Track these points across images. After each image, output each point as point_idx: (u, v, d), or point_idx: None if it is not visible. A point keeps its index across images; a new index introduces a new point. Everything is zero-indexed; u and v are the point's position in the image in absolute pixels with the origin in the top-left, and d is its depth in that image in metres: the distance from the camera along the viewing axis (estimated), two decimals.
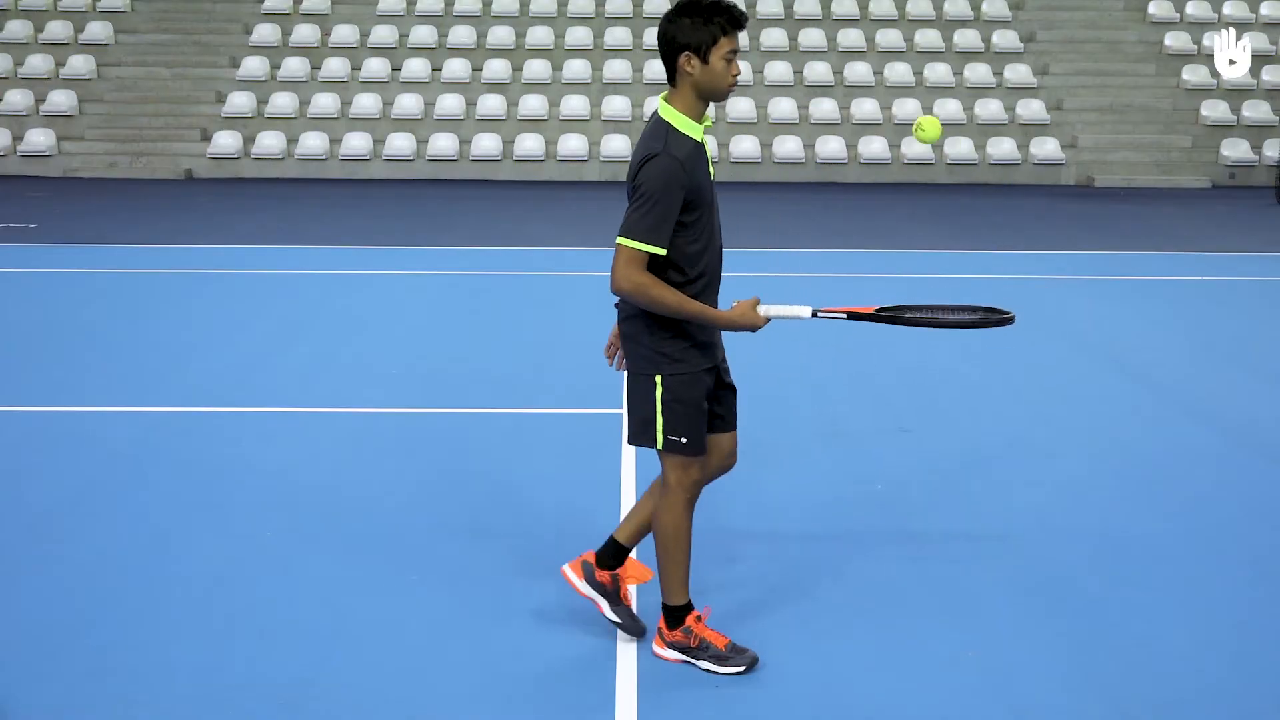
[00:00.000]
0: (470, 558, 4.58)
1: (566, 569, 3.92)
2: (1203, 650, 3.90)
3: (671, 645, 3.75)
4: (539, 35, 22.78)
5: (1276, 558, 4.68)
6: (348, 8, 23.59)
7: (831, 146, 21.02)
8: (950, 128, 21.47)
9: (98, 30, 22.70)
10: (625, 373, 3.73)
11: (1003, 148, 21.10)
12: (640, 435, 3.66)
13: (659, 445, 3.61)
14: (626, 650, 3.83)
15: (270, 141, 20.81)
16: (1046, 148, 21.12)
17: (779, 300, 3.99)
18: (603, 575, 3.86)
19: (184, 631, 3.95)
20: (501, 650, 3.85)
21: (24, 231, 13.60)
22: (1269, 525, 5.01)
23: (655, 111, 3.54)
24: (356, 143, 20.91)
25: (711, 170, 3.64)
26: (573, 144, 20.94)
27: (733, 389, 3.84)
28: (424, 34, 22.71)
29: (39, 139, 20.79)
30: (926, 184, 20.82)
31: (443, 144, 20.85)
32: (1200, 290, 10.65)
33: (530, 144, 20.86)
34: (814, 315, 3.72)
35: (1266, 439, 6.22)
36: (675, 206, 3.43)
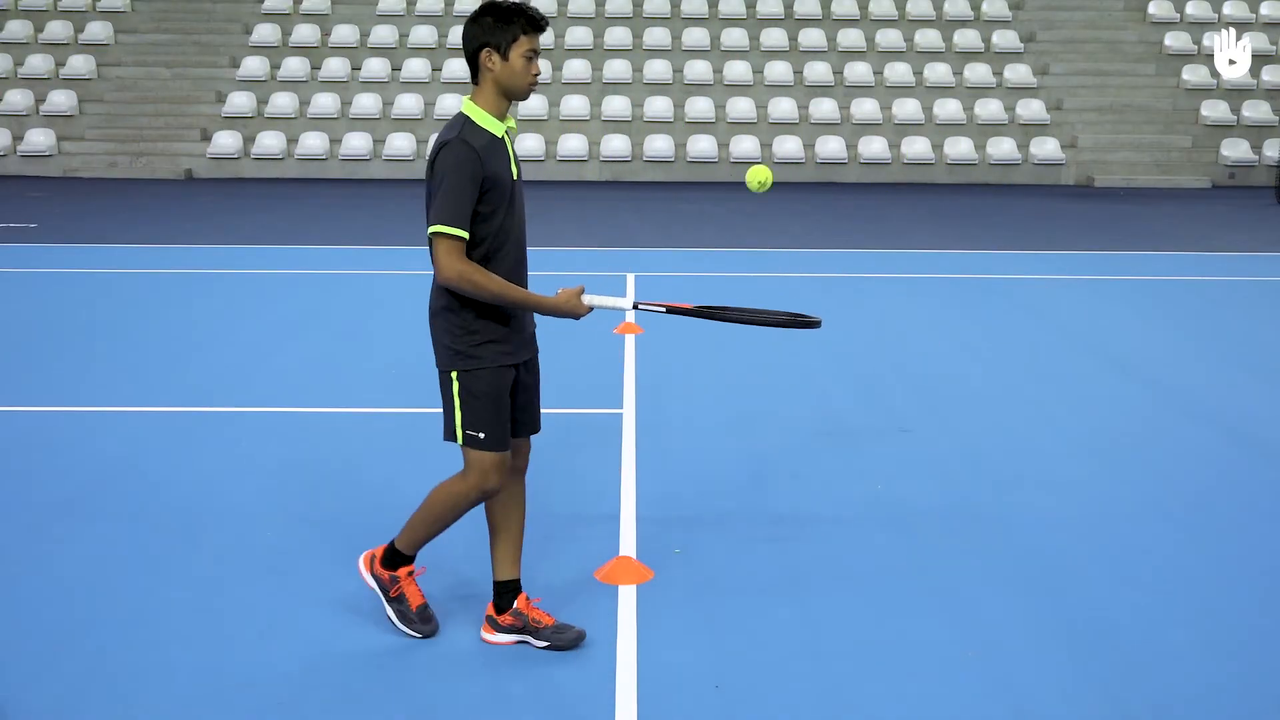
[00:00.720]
0: (470, 557, 4.58)
1: (486, 637, 3.87)
2: (1203, 650, 3.90)
3: (384, 596, 3.90)
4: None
5: (1276, 558, 4.68)
6: (348, 8, 23.59)
7: (831, 146, 21.02)
8: (950, 128, 21.47)
9: (98, 30, 22.70)
10: (444, 396, 3.73)
11: (1003, 148, 21.10)
12: (447, 431, 3.71)
13: (459, 440, 3.65)
14: (627, 650, 3.83)
15: (270, 141, 20.81)
16: (1046, 148, 21.12)
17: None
18: (510, 619, 3.85)
19: (184, 631, 3.95)
20: (503, 651, 3.85)
21: (24, 231, 13.60)
22: (1269, 525, 5.01)
23: (459, 112, 3.63)
24: (356, 143, 20.91)
25: (516, 170, 3.67)
26: (573, 144, 20.94)
27: (535, 390, 3.93)
28: (424, 34, 22.71)
29: (39, 139, 20.79)
30: (926, 184, 20.81)
31: None
32: (1200, 290, 10.65)
33: (530, 144, 20.85)
34: (635, 308, 3.92)
35: (1267, 439, 6.22)
36: (473, 190, 3.48)
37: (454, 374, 3.64)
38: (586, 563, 4.51)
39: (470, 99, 3.61)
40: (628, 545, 4.68)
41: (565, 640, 3.81)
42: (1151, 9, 23.95)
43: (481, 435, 3.64)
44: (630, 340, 8.19)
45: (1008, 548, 4.73)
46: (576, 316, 3.75)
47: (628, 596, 4.21)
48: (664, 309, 3.88)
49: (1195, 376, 7.52)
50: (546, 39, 22.75)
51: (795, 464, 5.73)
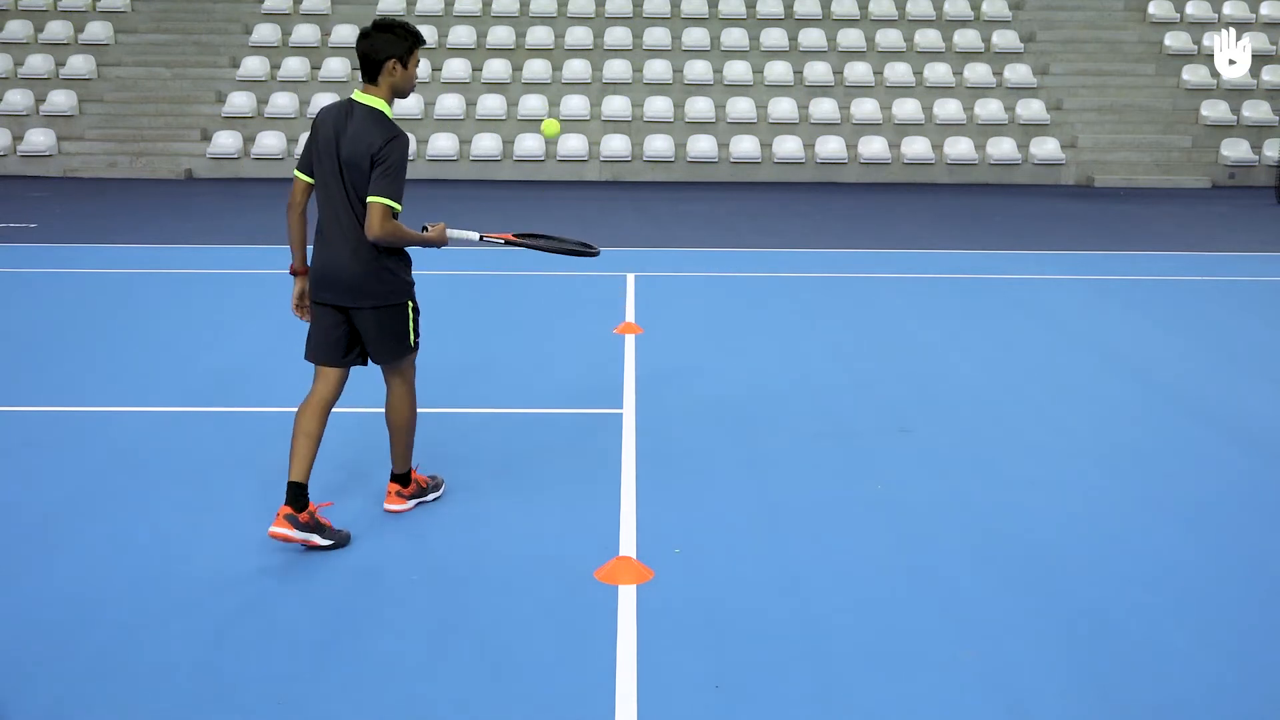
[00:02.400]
0: (470, 557, 4.58)
1: (275, 531, 4.50)
2: (1203, 650, 3.90)
3: (410, 496, 5.04)
4: (539, 35, 22.78)
5: (1276, 558, 4.68)
6: (348, 8, 23.59)
7: (831, 146, 21.02)
8: (950, 128, 21.47)
9: (98, 30, 22.70)
10: (399, 322, 4.70)
11: (1003, 148, 21.10)
12: (394, 351, 4.72)
13: (410, 348, 4.76)
14: (627, 650, 3.83)
15: (270, 141, 20.81)
16: (1046, 148, 21.12)
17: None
18: (304, 516, 4.55)
19: (184, 631, 3.95)
20: (501, 650, 3.85)
21: (24, 231, 13.60)
22: (1269, 525, 5.02)
23: (359, 103, 4.51)
24: None
25: None
26: (573, 144, 20.94)
27: None
28: (423, 34, 22.71)
29: (39, 139, 20.79)
30: (926, 184, 20.81)
31: (443, 144, 20.85)
32: (1200, 290, 10.65)
33: (530, 144, 20.85)
34: (481, 239, 5.19)
35: (1267, 439, 6.22)
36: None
37: (409, 302, 4.73)
38: (586, 563, 4.51)
39: (372, 95, 4.52)
40: (628, 545, 4.69)
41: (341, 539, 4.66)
42: (1151, 9, 23.95)
43: (418, 338, 4.82)
44: (630, 340, 8.19)
45: (1008, 548, 4.73)
46: (443, 245, 4.85)
47: (628, 596, 4.22)
48: (503, 241, 5.24)
49: (1195, 376, 7.52)
50: (547, 39, 22.78)
51: (795, 464, 5.73)
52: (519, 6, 23.51)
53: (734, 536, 4.80)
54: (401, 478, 5.01)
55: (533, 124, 21.35)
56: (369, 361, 4.81)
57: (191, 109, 21.64)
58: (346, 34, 22.66)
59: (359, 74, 25.00)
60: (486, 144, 20.88)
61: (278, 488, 5.32)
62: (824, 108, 21.59)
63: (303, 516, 4.52)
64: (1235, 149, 21.30)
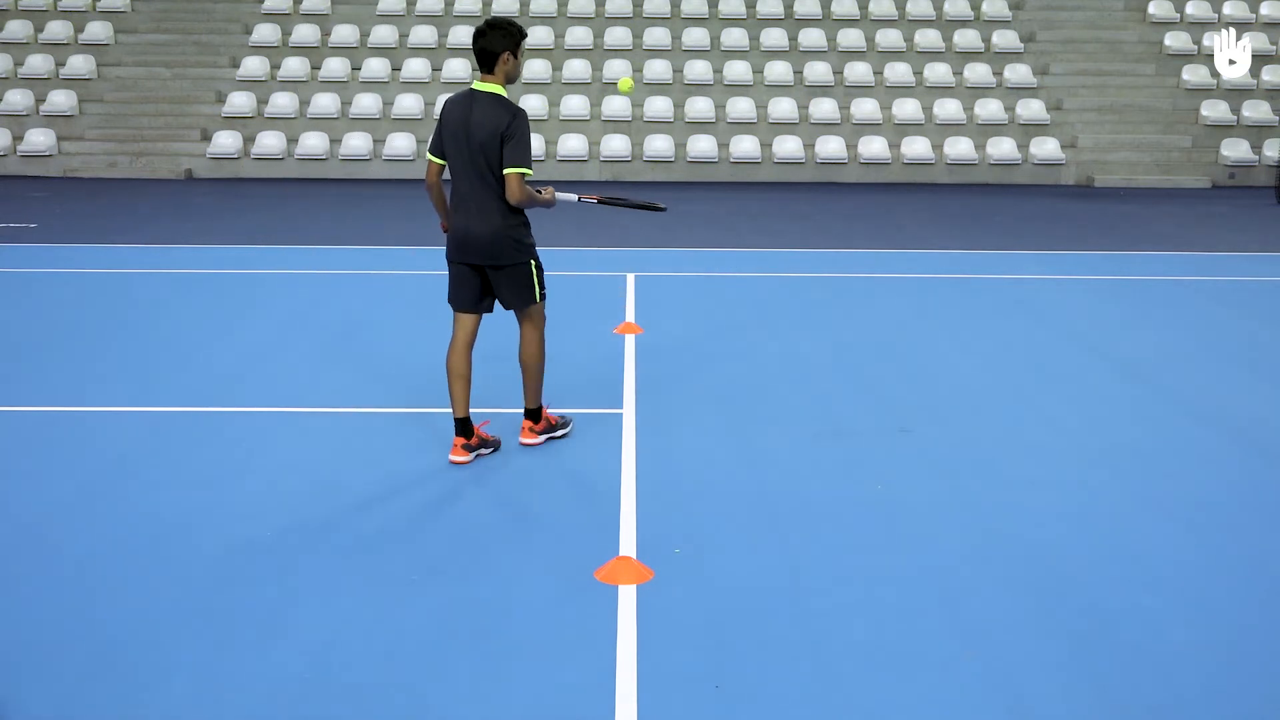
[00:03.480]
0: (470, 559, 4.59)
1: (455, 459, 5.57)
2: (1203, 650, 3.90)
3: (541, 432, 5.88)
4: (539, 35, 22.78)
5: (1277, 558, 4.68)
6: (348, 8, 23.59)
7: (831, 146, 21.02)
8: (950, 128, 21.47)
9: (98, 30, 22.71)
10: (526, 278, 5.65)
11: (1003, 148, 21.10)
12: (524, 300, 5.66)
13: (537, 300, 5.69)
14: (627, 650, 3.83)
15: (270, 141, 20.81)
16: (1046, 148, 21.12)
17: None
18: (474, 440, 5.64)
19: (184, 631, 3.95)
20: (501, 649, 3.85)
21: (24, 231, 13.60)
22: (1269, 525, 5.02)
23: (480, 91, 5.40)
24: (356, 143, 20.91)
25: None
26: (573, 144, 20.94)
27: None
28: (424, 34, 22.71)
29: (39, 139, 20.79)
30: (926, 184, 20.82)
31: None
32: (1200, 290, 10.65)
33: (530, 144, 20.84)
34: (578, 200, 6.36)
35: (1267, 439, 6.22)
36: None
37: (532, 262, 5.64)
38: (586, 563, 4.51)
39: (490, 83, 5.41)
40: (628, 545, 4.69)
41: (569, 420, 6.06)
42: (1151, 9, 23.95)
43: (545, 290, 5.77)
44: (630, 340, 8.19)
45: (1008, 547, 4.73)
46: (551, 207, 5.75)
47: (628, 596, 4.22)
48: (596, 201, 6.27)
49: (1195, 376, 7.52)
50: (547, 39, 22.79)
51: (795, 464, 5.73)
52: (518, 7, 23.51)
53: (734, 536, 4.80)
54: (533, 414, 5.86)
55: (532, 124, 21.35)
56: (501, 309, 5.84)
57: (191, 109, 21.64)
58: (346, 34, 22.66)
59: (358, 73, 24.75)
60: None
61: (278, 488, 5.34)
62: (824, 108, 21.59)
63: (473, 441, 5.64)
64: (1235, 149, 21.30)
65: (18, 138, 20.98)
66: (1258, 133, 21.74)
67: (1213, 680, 3.71)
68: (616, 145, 20.94)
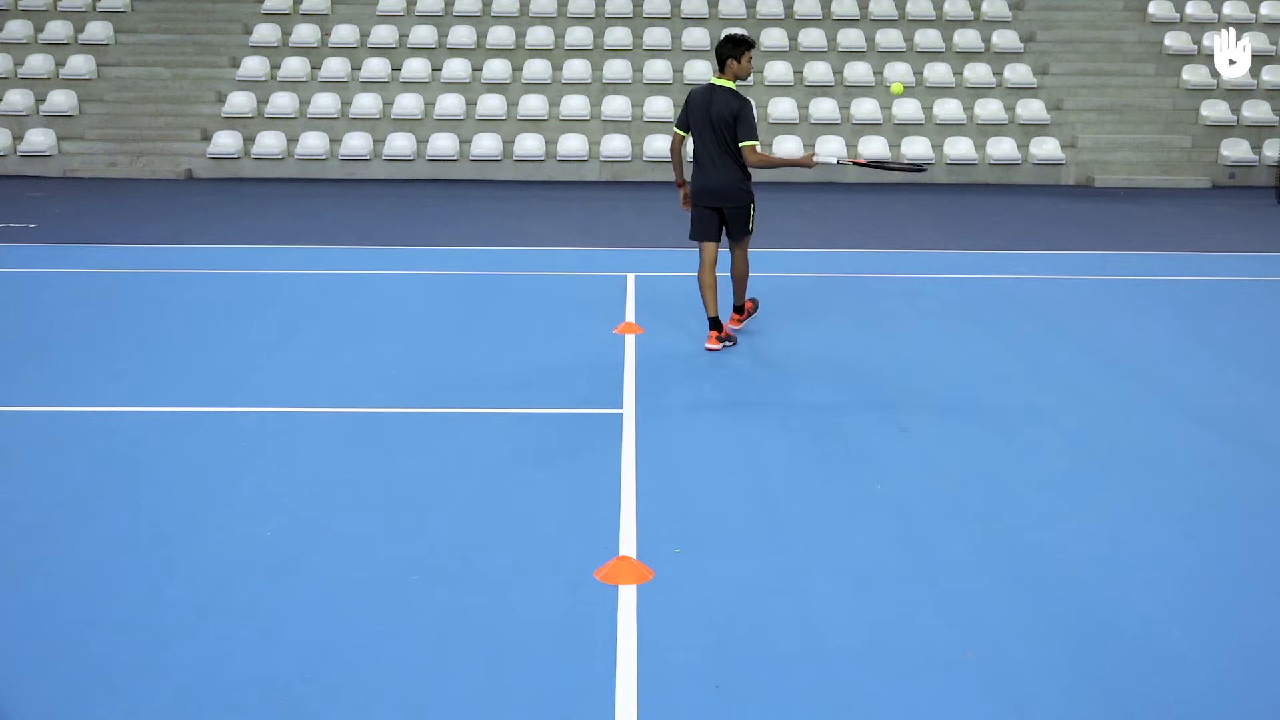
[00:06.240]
0: (470, 558, 4.59)
1: (710, 346, 7.81)
2: (1203, 650, 3.90)
3: (743, 320, 8.37)
4: (539, 35, 22.78)
5: (1277, 558, 4.68)
6: (348, 8, 23.59)
7: (831, 146, 21.01)
8: (950, 128, 21.47)
9: (98, 30, 22.70)
10: (747, 216, 7.81)
11: (1003, 148, 21.10)
12: (743, 232, 7.80)
13: (750, 231, 7.84)
14: (627, 650, 3.83)
15: (270, 141, 20.81)
16: (1046, 148, 21.12)
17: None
18: (724, 333, 7.89)
19: (184, 631, 3.96)
20: (501, 650, 3.85)
21: (24, 231, 13.60)
22: (1269, 525, 5.02)
23: (716, 85, 7.56)
24: (356, 143, 20.91)
25: None
26: (573, 144, 20.94)
27: None
28: (424, 34, 22.70)
29: (39, 139, 20.79)
30: (926, 184, 20.82)
31: (443, 144, 20.85)
32: (1200, 290, 10.65)
33: (530, 144, 20.85)
34: (838, 163, 7.97)
35: (1267, 439, 6.22)
36: None
37: (751, 205, 7.78)
38: (586, 563, 4.51)
39: (724, 80, 7.54)
40: (628, 545, 4.69)
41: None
42: (1151, 9, 23.94)
43: (754, 228, 7.94)
44: (630, 340, 8.19)
45: (1007, 547, 4.73)
46: (810, 168, 7.91)
47: (628, 596, 4.22)
48: (866, 163, 8.20)
49: (1195, 376, 7.52)
50: (546, 39, 22.79)
51: (795, 464, 5.73)
52: (519, 6, 23.51)
53: (734, 536, 4.80)
54: (738, 309, 8.27)
55: (532, 124, 21.37)
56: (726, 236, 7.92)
57: (191, 109, 21.63)
58: (346, 34, 22.66)
59: (358, 73, 24.66)
60: (486, 144, 20.87)
61: (278, 488, 5.35)
62: (824, 108, 21.59)
63: (723, 333, 7.81)
64: (1235, 149, 21.30)
65: (18, 138, 20.98)
66: (1258, 133, 21.73)
67: (1213, 680, 3.71)
68: (616, 145, 20.93)
